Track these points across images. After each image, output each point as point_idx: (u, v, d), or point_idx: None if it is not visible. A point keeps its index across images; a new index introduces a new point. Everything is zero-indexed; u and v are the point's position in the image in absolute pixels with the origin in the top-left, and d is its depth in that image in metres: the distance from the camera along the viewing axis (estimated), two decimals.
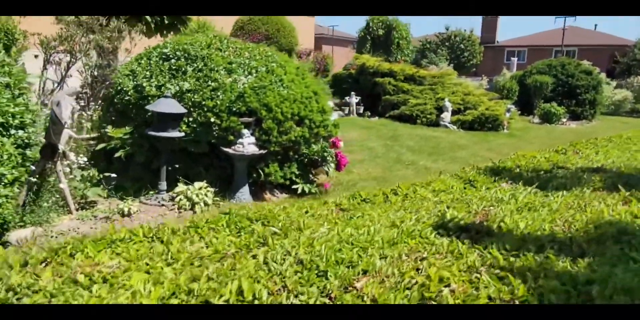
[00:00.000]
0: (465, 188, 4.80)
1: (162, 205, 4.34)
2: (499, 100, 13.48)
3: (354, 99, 10.88)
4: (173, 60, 4.58)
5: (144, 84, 4.44)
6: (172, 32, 7.48)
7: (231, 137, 4.45)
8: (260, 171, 4.64)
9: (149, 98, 4.42)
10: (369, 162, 6.75)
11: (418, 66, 30.86)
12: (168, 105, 4.23)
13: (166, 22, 6.93)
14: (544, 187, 4.56)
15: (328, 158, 4.97)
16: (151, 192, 4.42)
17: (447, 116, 10.52)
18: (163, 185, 4.44)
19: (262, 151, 4.54)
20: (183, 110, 4.30)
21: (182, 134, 4.35)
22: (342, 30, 29.45)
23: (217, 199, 4.41)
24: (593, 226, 3.16)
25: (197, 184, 4.42)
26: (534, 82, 15.49)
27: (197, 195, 4.33)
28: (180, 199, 4.35)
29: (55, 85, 6.03)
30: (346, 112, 11.08)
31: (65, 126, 3.78)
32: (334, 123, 5.42)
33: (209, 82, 4.40)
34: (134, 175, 4.58)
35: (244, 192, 4.66)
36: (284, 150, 4.72)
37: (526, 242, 2.87)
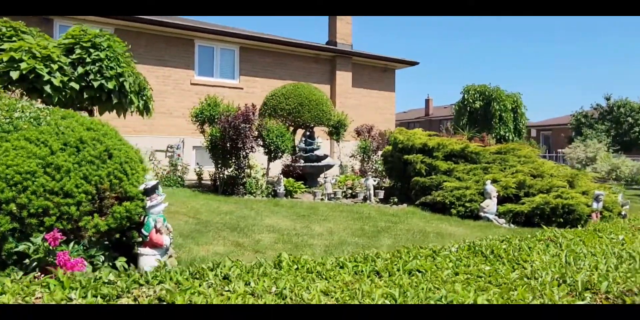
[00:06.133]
0: None
1: None
2: (605, 184, 9.62)
3: (370, 181, 8.67)
4: None
5: None
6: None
7: None
8: None
9: None
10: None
11: (570, 143, 25.87)
12: None
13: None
14: None
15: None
16: None
17: (490, 205, 7.50)
18: None
19: None
20: None
21: None
22: None
23: None
24: None
25: None
26: None
27: None
28: None
29: None
30: (360, 197, 8.84)
31: None
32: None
33: None
34: None
35: None
36: None
37: None
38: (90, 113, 8.22)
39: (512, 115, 15.61)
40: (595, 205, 7.54)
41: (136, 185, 4.03)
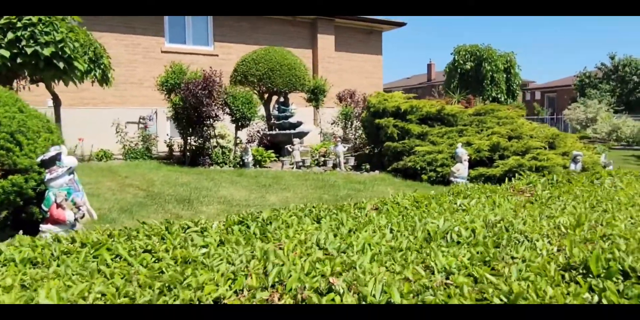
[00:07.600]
0: None
1: None
2: (591, 145, 9.13)
3: (340, 148, 8.26)
4: None
5: None
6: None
7: None
8: None
9: None
10: None
11: (573, 102, 24.99)
12: None
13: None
14: None
15: None
16: None
17: (460, 169, 7.09)
18: None
19: None
20: None
21: None
22: None
23: None
24: None
25: None
26: None
27: None
28: None
29: None
30: (329, 165, 8.47)
31: None
32: None
33: None
34: None
35: None
36: None
37: None
38: (48, 84, 7.84)
39: (504, 75, 14.89)
40: (572, 166, 7.09)
41: (32, 157, 3.68)
